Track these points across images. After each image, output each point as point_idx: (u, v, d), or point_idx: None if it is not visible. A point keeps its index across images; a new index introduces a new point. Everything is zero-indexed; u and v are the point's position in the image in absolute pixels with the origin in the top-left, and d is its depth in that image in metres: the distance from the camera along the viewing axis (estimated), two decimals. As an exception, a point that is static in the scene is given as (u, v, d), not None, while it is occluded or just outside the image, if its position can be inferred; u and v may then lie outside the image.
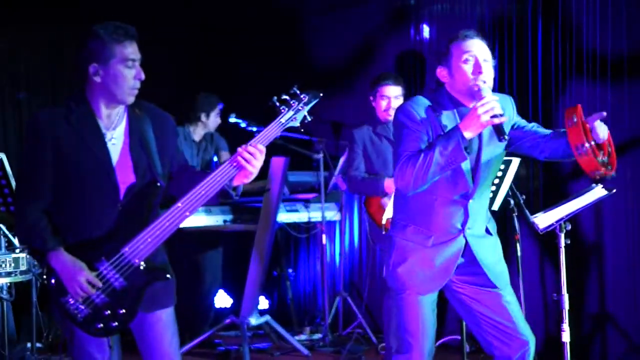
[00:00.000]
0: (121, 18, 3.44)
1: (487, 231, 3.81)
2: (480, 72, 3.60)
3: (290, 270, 7.74)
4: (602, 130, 3.52)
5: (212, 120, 7.00)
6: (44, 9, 7.20)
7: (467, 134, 3.46)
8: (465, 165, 3.61)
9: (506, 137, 3.49)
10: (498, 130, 3.45)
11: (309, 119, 3.50)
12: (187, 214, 3.34)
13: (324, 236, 6.94)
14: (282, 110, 3.45)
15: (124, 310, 3.34)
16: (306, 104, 3.49)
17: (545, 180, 6.16)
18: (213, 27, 8.25)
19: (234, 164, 3.35)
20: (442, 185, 3.65)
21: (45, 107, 3.47)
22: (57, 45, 7.37)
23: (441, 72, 3.72)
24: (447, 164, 3.49)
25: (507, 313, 3.74)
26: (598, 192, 4.42)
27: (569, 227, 4.37)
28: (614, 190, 4.48)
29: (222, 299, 7.60)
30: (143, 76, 3.39)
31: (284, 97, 3.48)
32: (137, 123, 3.46)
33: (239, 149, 3.35)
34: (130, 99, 3.40)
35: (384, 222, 5.68)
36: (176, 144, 3.61)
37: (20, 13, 7.13)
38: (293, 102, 3.47)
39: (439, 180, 3.59)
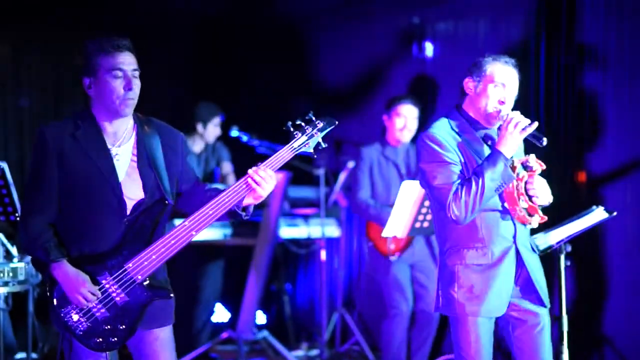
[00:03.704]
0: (125, 27, 3.47)
1: (532, 248, 3.87)
2: (503, 103, 3.72)
3: (288, 285, 7.73)
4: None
5: (210, 131, 6.85)
6: (47, 16, 7.19)
7: (508, 153, 3.59)
8: None
9: (545, 139, 3.63)
10: (535, 137, 3.64)
11: (324, 146, 3.49)
12: (194, 233, 3.34)
13: (323, 252, 6.93)
14: (296, 135, 3.43)
15: (123, 326, 3.34)
16: (320, 130, 3.47)
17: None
18: (219, 41, 8.25)
19: (244, 185, 3.35)
20: None
21: (52, 121, 3.47)
22: (59, 52, 7.36)
23: (468, 84, 3.78)
24: (499, 187, 3.59)
25: (540, 340, 3.80)
26: (599, 214, 4.40)
27: (569, 249, 4.35)
28: (615, 213, 4.47)
29: (220, 313, 7.57)
30: (133, 86, 3.38)
31: (299, 122, 3.46)
32: (146, 140, 3.47)
33: (250, 171, 3.34)
34: (126, 110, 3.39)
35: (392, 246, 5.69)
36: (186, 161, 3.59)
37: (22, 20, 7.12)
38: (307, 128, 3.45)
39: None
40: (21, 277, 4.92)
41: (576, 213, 4.45)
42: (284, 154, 3.40)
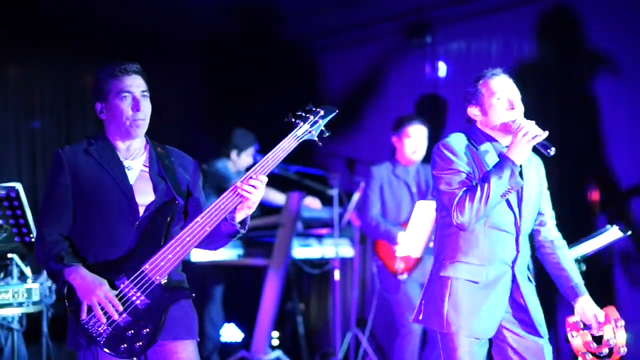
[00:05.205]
0: (136, 53, 3.49)
1: (529, 278, 3.80)
2: (513, 108, 3.70)
3: (301, 305, 7.72)
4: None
5: (242, 160, 6.89)
6: (59, 39, 7.24)
7: (517, 160, 3.57)
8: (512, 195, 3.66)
9: (553, 148, 3.59)
10: (543, 145, 3.60)
11: (327, 134, 3.48)
12: (207, 228, 3.31)
13: (336, 272, 6.91)
14: (298, 124, 3.44)
15: (147, 330, 3.28)
16: (322, 117, 3.47)
17: (559, 220, 6.12)
18: (228, 64, 8.28)
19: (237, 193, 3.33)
20: (490, 215, 3.65)
21: (66, 145, 3.52)
22: (71, 75, 7.41)
23: (472, 111, 3.78)
24: (505, 192, 3.56)
25: None
26: (614, 233, 4.39)
27: (584, 268, 4.33)
28: (630, 232, 4.45)
29: (233, 333, 7.56)
30: (141, 107, 3.41)
31: (299, 112, 3.47)
32: (159, 157, 3.51)
33: (242, 179, 3.32)
34: (136, 132, 3.44)
35: (402, 265, 5.67)
36: (198, 185, 3.59)
37: (33, 44, 7.17)
38: (309, 116, 3.46)
39: None
40: (35, 298, 4.93)
41: (590, 232, 4.45)
42: (288, 143, 3.40)
